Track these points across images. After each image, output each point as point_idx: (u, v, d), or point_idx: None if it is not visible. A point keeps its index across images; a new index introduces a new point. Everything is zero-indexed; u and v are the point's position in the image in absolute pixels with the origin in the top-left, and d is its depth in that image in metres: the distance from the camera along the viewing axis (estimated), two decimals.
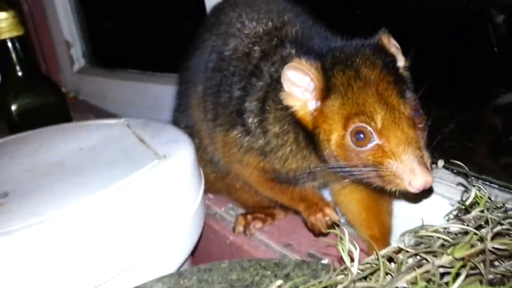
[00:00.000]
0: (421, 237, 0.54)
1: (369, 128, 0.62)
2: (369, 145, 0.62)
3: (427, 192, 0.77)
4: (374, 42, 0.71)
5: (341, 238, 0.54)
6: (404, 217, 0.84)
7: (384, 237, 0.82)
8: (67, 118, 1.35)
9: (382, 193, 0.80)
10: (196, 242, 0.84)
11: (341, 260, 0.55)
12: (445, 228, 0.52)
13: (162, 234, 0.72)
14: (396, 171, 0.60)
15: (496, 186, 0.77)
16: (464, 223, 0.52)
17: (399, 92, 0.64)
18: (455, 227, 0.52)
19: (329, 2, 1.00)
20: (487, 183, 0.77)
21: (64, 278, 0.63)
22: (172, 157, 0.80)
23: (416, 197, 0.79)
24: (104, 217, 0.67)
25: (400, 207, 0.84)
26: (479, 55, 0.80)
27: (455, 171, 0.80)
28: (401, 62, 0.72)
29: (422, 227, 0.54)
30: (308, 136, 0.70)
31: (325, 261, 0.84)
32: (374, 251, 0.53)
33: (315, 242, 0.90)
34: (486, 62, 0.79)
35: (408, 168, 0.59)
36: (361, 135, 0.62)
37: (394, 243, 0.55)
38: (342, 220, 0.90)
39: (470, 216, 0.53)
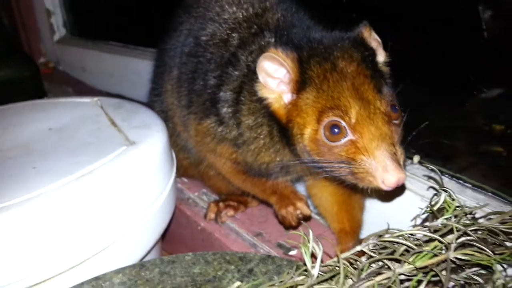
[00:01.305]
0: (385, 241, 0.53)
1: (343, 122, 0.60)
2: (343, 140, 0.60)
3: (399, 189, 0.77)
4: (354, 35, 0.69)
5: (304, 239, 0.53)
6: (375, 212, 0.84)
7: (354, 231, 0.82)
8: (41, 93, 1.31)
9: (355, 189, 0.80)
10: (164, 229, 0.83)
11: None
12: (411, 234, 0.52)
13: (128, 223, 0.71)
14: (369, 168, 0.59)
15: (469, 185, 0.77)
16: (430, 231, 0.51)
17: (375, 86, 0.62)
18: (421, 234, 0.51)
19: None
20: (460, 181, 0.76)
21: (23, 267, 0.61)
22: (141, 144, 0.78)
23: (388, 195, 0.78)
24: (66, 205, 0.65)
25: (371, 202, 0.84)
26: (459, 52, 0.79)
27: (429, 167, 0.80)
28: (381, 56, 0.70)
29: (387, 231, 0.53)
30: (282, 130, 0.68)
31: (293, 252, 0.84)
32: (336, 254, 0.52)
33: (285, 232, 0.89)
34: (466, 60, 0.78)
35: (381, 165, 0.58)
36: (335, 130, 0.60)
37: (358, 246, 0.54)
38: (314, 214, 0.90)
39: (437, 223, 0.52)
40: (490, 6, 0.73)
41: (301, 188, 0.88)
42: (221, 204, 0.94)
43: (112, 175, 0.70)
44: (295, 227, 0.79)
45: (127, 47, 1.73)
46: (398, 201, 0.80)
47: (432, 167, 0.62)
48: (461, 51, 0.79)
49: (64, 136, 0.85)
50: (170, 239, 1.04)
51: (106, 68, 1.78)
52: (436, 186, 0.61)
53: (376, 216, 0.84)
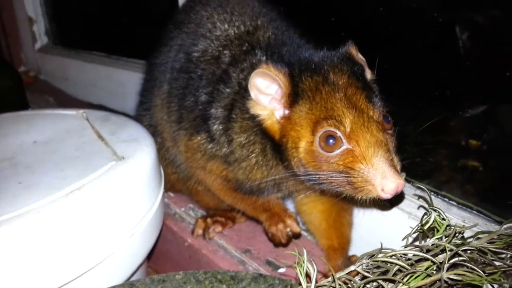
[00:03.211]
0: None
1: (338, 132, 0.60)
2: (339, 150, 0.60)
3: (398, 198, 0.77)
4: (342, 52, 0.70)
5: (299, 259, 0.53)
6: (364, 229, 0.85)
7: (342, 248, 0.82)
8: (24, 104, 1.28)
9: (345, 205, 0.80)
10: (152, 247, 0.82)
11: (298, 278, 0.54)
12: (403, 254, 0.52)
13: (116, 241, 0.70)
14: (367, 177, 0.58)
15: (455, 203, 0.79)
16: (422, 251, 0.51)
17: (367, 97, 0.63)
18: (413, 254, 0.52)
19: (305, 9, 0.98)
20: (446, 199, 0.78)
21: (7, 286, 0.59)
22: (131, 159, 0.77)
23: (387, 204, 0.78)
24: (54, 223, 0.63)
25: (360, 219, 0.85)
26: (444, 69, 0.81)
27: (415, 184, 0.81)
28: (368, 75, 0.71)
29: (381, 250, 0.54)
30: (275, 146, 0.68)
31: (283, 270, 0.84)
32: (331, 273, 0.52)
33: (274, 249, 0.89)
34: (452, 77, 0.80)
35: (379, 172, 0.57)
36: (330, 140, 0.60)
37: (352, 266, 0.54)
38: (303, 231, 0.90)
39: (428, 242, 0.53)
40: (467, 27, 0.75)
41: (290, 205, 0.89)
42: (208, 220, 0.93)
43: (101, 191, 0.69)
44: (285, 245, 0.79)
45: (110, 57, 1.72)
46: (386, 218, 0.81)
47: (421, 186, 0.63)
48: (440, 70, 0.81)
49: (49, 149, 0.83)
50: (155, 255, 1.03)
51: (89, 78, 1.76)
52: (425, 205, 0.62)
53: (365, 233, 0.85)
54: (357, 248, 0.85)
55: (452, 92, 0.78)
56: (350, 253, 0.85)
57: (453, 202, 0.79)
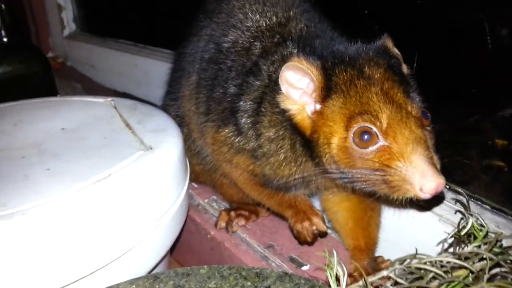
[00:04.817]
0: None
1: (374, 128, 0.58)
2: (374, 147, 0.58)
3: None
4: (377, 45, 0.68)
5: (330, 262, 0.51)
6: (391, 230, 0.82)
7: (369, 249, 0.80)
8: (52, 90, 1.29)
9: (373, 204, 0.78)
10: (176, 238, 0.81)
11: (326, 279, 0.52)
12: (439, 261, 0.50)
13: (143, 232, 0.69)
14: (405, 175, 0.55)
15: (488, 207, 0.76)
16: (460, 258, 0.49)
17: (405, 91, 0.60)
18: (450, 261, 0.50)
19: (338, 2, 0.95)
20: (479, 202, 0.75)
21: (34, 275, 0.59)
22: (158, 150, 0.76)
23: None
24: (81, 211, 0.63)
25: (387, 219, 0.82)
26: (480, 67, 0.77)
27: (447, 186, 0.78)
28: (404, 69, 0.69)
29: (415, 256, 0.52)
30: (306, 142, 0.66)
31: (306, 267, 0.82)
32: (363, 278, 0.51)
33: (298, 245, 0.87)
34: (488, 75, 0.76)
35: (419, 171, 0.55)
36: (365, 136, 0.58)
37: (384, 271, 0.52)
38: (328, 229, 0.88)
39: (466, 250, 0.50)
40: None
41: (315, 203, 0.87)
42: (232, 213, 0.92)
43: (129, 181, 0.68)
44: (310, 243, 0.77)
45: (136, 45, 1.72)
46: (415, 220, 0.78)
47: (458, 189, 0.61)
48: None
49: (77, 137, 0.83)
50: (179, 246, 1.02)
51: (115, 66, 1.77)
52: (459, 208, 0.59)
53: (392, 234, 0.82)
54: (383, 249, 0.83)
55: (485, 91, 0.75)
56: (376, 254, 0.83)
57: (487, 206, 0.76)
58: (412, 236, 0.79)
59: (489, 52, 0.73)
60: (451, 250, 0.56)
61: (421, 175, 0.54)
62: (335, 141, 0.61)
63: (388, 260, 0.81)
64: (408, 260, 0.52)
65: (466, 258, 0.50)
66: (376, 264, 0.80)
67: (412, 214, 0.78)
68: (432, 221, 0.76)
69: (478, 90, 0.76)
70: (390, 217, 0.82)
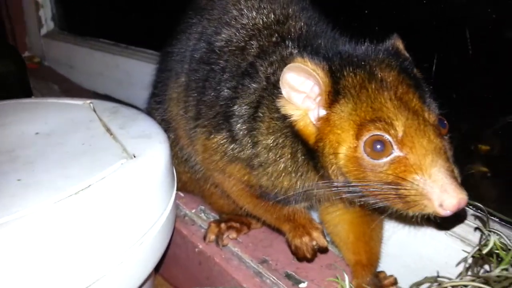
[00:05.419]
0: None
1: (387, 136, 0.52)
2: (388, 158, 0.52)
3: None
4: (387, 45, 0.62)
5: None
6: (397, 243, 0.77)
7: (371, 264, 0.75)
8: (26, 91, 1.21)
9: (375, 217, 0.72)
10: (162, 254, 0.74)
11: None
12: (464, 286, 0.44)
13: (125, 250, 0.62)
14: (423, 189, 0.50)
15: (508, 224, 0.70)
16: (488, 283, 0.44)
17: (421, 97, 0.55)
18: (475, 285, 0.44)
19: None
20: (496, 219, 0.69)
21: None
22: (142, 158, 0.69)
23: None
24: (55, 228, 0.56)
25: (390, 233, 0.77)
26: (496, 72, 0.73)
27: (473, 204, 0.71)
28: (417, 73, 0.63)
29: (436, 280, 0.46)
30: (308, 151, 0.60)
31: (304, 285, 0.76)
32: None
33: (294, 260, 0.82)
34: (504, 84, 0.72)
35: (439, 185, 0.49)
36: (378, 146, 0.52)
37: None
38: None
39: (493, 273, 0.45)
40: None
41: (313, 214, 0.81)
42: (222, 225, 0.86)
43: (109, 193, 0.61)
44: (309, 260, 0.71)
45: (118, 45, 1.65)
46: (421, 235, 0.73)
47: (477, 203, 0.55)
48: None
49: (52, 142, 0.76)
50: (164, 261, 0.95)
51: (95, 67, 1.70)
52: (480, 225, 0.54)
53: (394, 248, 0.77)
54: (388, 265, 0.78)
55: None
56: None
57: (505, 224, 0.70)
58: (418, 251, 0.74)
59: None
60: (470, 271, 0.51)
61: (442, 189, 0.49)
62: (343, 150, 0.55)
63: (391, 276, 0.76)
64: (427, 284, 0.46)
65: (494, 282, 0.45)
66: (378, 281, 0.75)
67: (425, 231, 0.73)
68: (439, 236, 0.71)
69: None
70: (392, 231, 0.77)
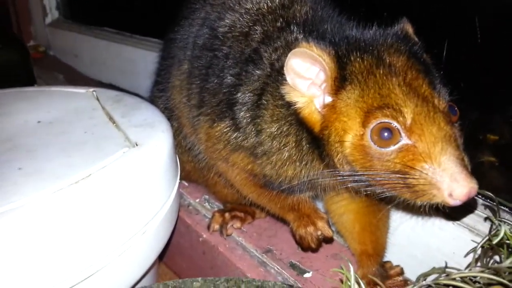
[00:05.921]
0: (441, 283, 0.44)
1: (395, 124, 0.50)
2: (396, 146, 0.51)
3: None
4: (396, 29, 0.60)
5: (346, 278, 0.44)
6: (403, 233, 0.76)
7: (377, 254, 0.73)
8: (30, 80, 1.20)
9: (382, 206, 0.71)
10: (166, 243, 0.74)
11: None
12: (473, 276, 0.43)
13: (128, 239, 0.61)
14: (432, 178, 0.49)
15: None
16: (499, 274, 0.42)
17: (431, 82, 0.53)
18: (485, 277, 0.43)
19: None
20: (506, 209, 0.67)
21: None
22: (145, 146, 0.68)
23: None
24: (57, 217, 0.55)
25: (397, 223, 0.76)
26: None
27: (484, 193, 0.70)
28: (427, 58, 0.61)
29: (444, 270, 0.45)
30: (314, 139, 0.59)
31: (309, 275, 0.75)
32: None
33: (299, 249, 0.81)
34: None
35: (448, 174, 0.48)
36: (386, 133, 0.51)
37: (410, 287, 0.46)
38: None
39: (505, 264, 0.44)
40: None
41: (318, 204, 0.80)
42: (226, 215, 0.85)
43: (112, 181, 0.60)
44: (314, 250, 0.70)
45: (122, 34, 1.64)
46: (429, 225, 0.71)
47: (487, 193, 0.54)
48: None
49: (54, 131, 0.75)
50: (167, 250, 0.95)
51: (100, 56, 1.69)
52: (491, 215, 0.52)
53: (402, 238, 0.76)
54: (393, 254, 0.76)
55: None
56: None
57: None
58: (425, 241, 0.72)
59: None
60: (479, 261, 0.49)
61: (451, 178, 0.47)
62: (350, 138, 0.53)
63: (398, 266, 0.75)
64: (435, 275, 0.45)
65: (505, 273, 0.43)
66: (384, 271, 0.74)
67: (433, 221, 0.71)
68: (446, 225, 0.70)
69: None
70: (399, 221, 0.76)
